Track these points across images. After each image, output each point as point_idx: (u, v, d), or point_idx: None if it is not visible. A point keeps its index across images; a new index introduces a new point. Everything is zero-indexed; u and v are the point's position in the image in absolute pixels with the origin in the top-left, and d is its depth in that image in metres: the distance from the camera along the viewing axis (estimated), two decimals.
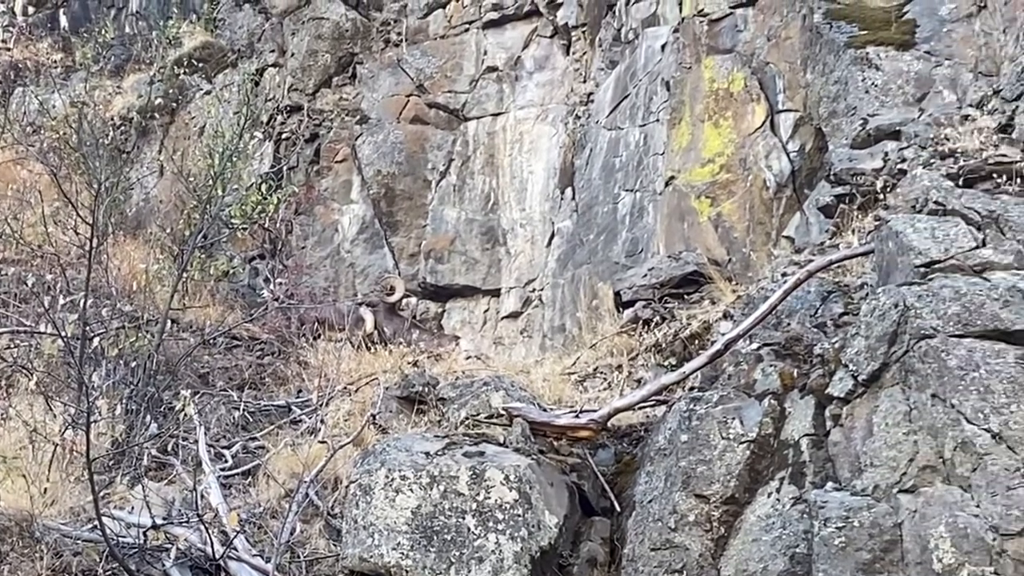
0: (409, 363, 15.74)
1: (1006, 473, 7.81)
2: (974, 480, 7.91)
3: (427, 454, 10.01)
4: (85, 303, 12.77)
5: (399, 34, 24.52)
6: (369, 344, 17.77)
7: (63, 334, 12.14)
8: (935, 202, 9.99)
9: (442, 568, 9.39)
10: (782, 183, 15.53)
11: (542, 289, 21.06)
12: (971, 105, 12.42)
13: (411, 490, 9.68)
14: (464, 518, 9.53)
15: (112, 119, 25.03)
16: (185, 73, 25.64)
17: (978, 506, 7.82)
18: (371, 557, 9.56)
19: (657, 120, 18.24)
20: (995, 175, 10.50)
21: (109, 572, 10.29)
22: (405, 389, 13.36)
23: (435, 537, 9.48)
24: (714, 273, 14.76)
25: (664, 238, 16.79)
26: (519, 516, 9.53)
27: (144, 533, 10.59)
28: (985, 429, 7.98)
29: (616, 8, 20.80)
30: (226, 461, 12.85)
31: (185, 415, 11.63)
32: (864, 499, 8.37)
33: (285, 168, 23.87)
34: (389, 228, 23.08)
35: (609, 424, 11.09)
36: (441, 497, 9.64)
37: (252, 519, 11.40)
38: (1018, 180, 10.39)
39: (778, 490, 9.08)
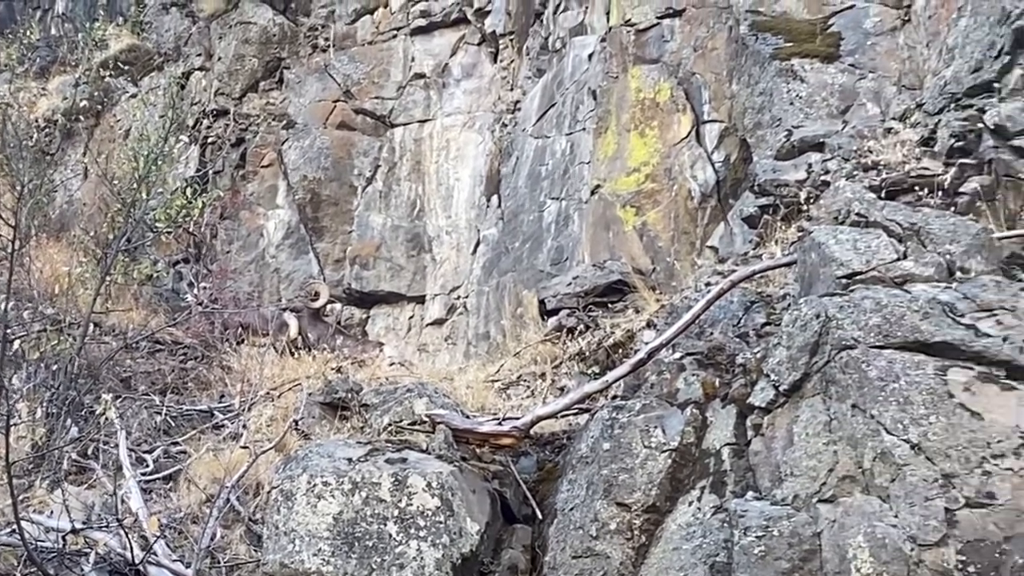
0: (333, 369, 15.71)
1: (924, 484, 7.87)
2: (893, 490, 7.96)
3: (349, 460, 9.98)
4: (6, 305, 12.66)
5: (327, 40, 24.49)
6: (293, 350, 17.74)
7: None
8: (857, 214, 10.06)
9: (363, 574, 9.36)
10: (707, 193, 15.60)
11: (467, 296, 21.08)
12: (894, 118, 12.52)
13: (333, 496, 9.65)
14: (386, 524, 9.51)
15: (36, 121, 24.86)
16: (111, 76, 25.50)
17: (896, 516, 7.87)
18: (292, 563, 9.52)
19: (584, 129, 18.29)
20: (917, 188, 10.61)
21: None
22: (328, 395, 13.31)
23: (356, 543, 9.46)
24: (638, 282, 14.82)
25: (589, 247, 16.83)
26: (441, 523, 9.52)
27: (63, 537, 10.51)
28: (904, 440, 8.03)
29: (544, 17, 20.86)
30: (147, 466, 12.77)
31: (106, 419, 11.57)
32: (784, 508, 8.41)
33: (210, 172, 23.78)
34: (314, 234, 23.04)
35: (532, 432, 11.09)
36: (363, 503, 9.61)
37: (172, 524, 11.33)
38: (939, 193, 10.49)
39: (699, 499, 9.11)
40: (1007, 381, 8.21)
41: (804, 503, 8.35)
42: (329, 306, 20.58)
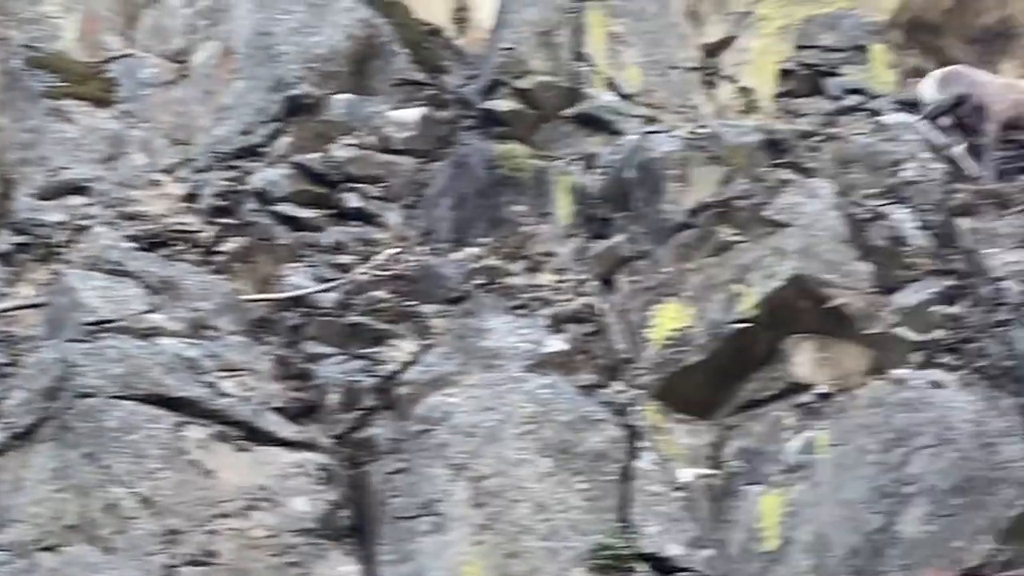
0: None
1: (149, 538, 7.86)
2: (118, 543, 7.90)
3: None
4: None
5: None
6: None
7: None
8: (113, 262, 9.95)
9: None
10: None
11: None
12: (162, 171, 12.53)
13: None
14: None
15: None
16: None
17: (117, 570, 7.81)
18: None
19: None
20: (177, 242, 10.63)
21: None
22: None
23: None
24: None
25: None
26: None
27: None
28: (134, 493, 8.00)
29: None
30: None
31: None
32: (3, 555, 8.17)
33: None
34: None
35: None
36: None
37: None
38: (199, 250, 10.56)
39: None
40: (242, 442, 8.35)
41: (24, 550, 8.14)
42: None
